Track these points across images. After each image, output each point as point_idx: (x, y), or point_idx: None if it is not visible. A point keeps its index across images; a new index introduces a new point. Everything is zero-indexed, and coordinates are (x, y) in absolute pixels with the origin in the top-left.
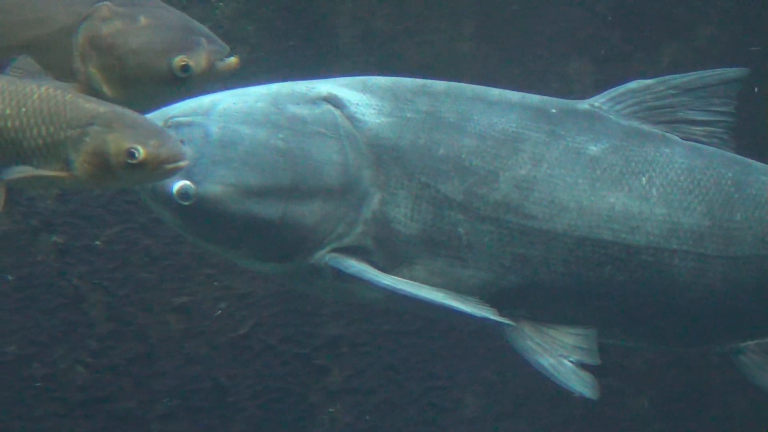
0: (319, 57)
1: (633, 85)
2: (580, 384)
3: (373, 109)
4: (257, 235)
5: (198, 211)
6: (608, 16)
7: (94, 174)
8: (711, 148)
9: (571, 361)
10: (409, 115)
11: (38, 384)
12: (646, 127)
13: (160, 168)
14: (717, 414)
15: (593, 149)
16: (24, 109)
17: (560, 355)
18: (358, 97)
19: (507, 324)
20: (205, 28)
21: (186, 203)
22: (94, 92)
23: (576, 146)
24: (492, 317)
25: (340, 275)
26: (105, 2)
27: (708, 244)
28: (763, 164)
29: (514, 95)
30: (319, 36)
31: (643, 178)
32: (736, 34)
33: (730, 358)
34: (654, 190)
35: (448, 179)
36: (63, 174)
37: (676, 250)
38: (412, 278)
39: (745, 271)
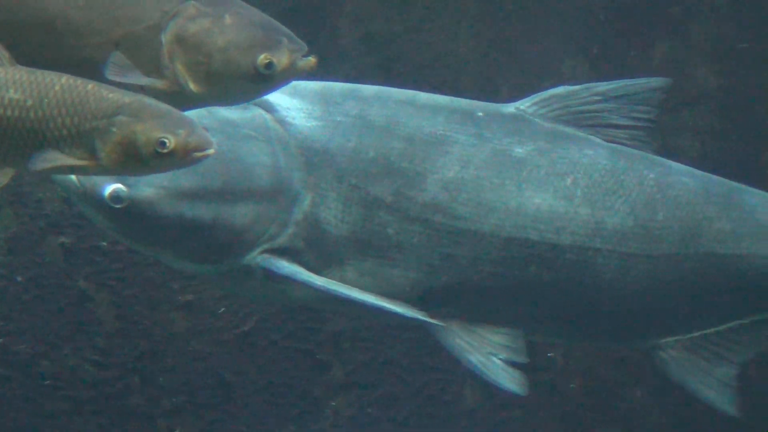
0: (321, 59)
1: (558, 90)
2: (509, 380)
3: (304, 113)
4: (190, 237)
5: (130, 214)
6: (601, 15)
7: (121, 163)
8: (633, 150)
9: (500, 359)
10: (338, 118)
11: (48, 382)
12: (571, 130)
13: (189, 156)
14: None
15: (519, 151)
16: (47, 100)
17: (489, 353)
18: (289, 101)
19: (436, 324)
20: (285, 28)
21: (118, 206)
22: (180, 88)
23: (502, 148)
24: (421, 318)
25: (272, 276)
26: (192, 1)
27: (631, 243)
28: (683, 165)
29: (442, 99)
30: (321, 38)
31: (568, 179)
32: (728, 32)
33: (651, 354)
34: (578, 191)
35: (378, 181)
36: (89, 162)
37: (600, 249)
38: (342, 278)
39: (667, 270)
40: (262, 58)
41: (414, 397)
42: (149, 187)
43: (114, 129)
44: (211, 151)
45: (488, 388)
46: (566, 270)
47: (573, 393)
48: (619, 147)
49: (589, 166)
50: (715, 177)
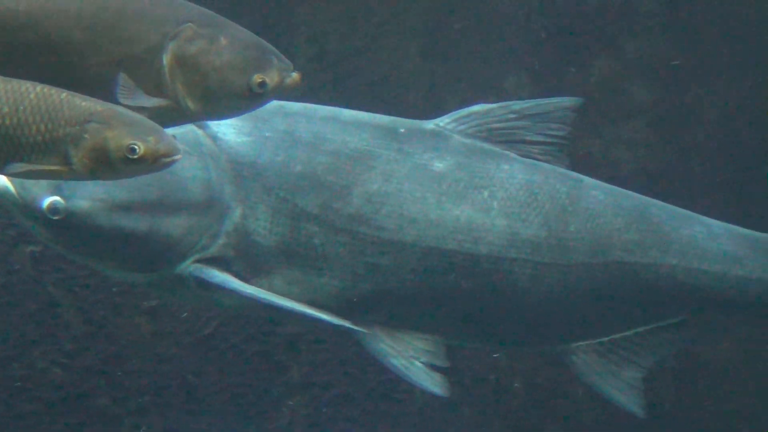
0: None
1: (476, 108)
2: (430, 382)
3: (234, 128)
4: (125, 248)
5: (67, 226)
6: (542, 33)
7: (92, 168)
8: (547, 165)
9: (422, 362)
10: (267, 134)
11: (18, 383)
12: (488, 146)
13: (158, 162)
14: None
15: (439, 166)
16: (22, 108)
17: (411, 357)
18: None
19: (359, 330)
20: (273, 47)
21: (56, 218)
22: (179, 105)
23: (423, 163)
24: (345, 325)
25: (204, 284)
26: (189, 24)
27: (544, 253)
28: (594, 180)
29: (365, 115)
30: None
31: (485, 192)
32: (661, 49)
33: (563, 357)
34: (495, 204)
35: (305, 194)
36: (61, 168)
37: (515, 258)
38: (270, 286)
39: (578, 278)
40: (256, 77)
41: (368, 396)
42: (86, 199)
43: (86, 136)
44: (178, 156)
45: None
46: (484, 278)
47: (517, 392)
48: (533, 162)
49: (505, 180)
50: (623, 190)
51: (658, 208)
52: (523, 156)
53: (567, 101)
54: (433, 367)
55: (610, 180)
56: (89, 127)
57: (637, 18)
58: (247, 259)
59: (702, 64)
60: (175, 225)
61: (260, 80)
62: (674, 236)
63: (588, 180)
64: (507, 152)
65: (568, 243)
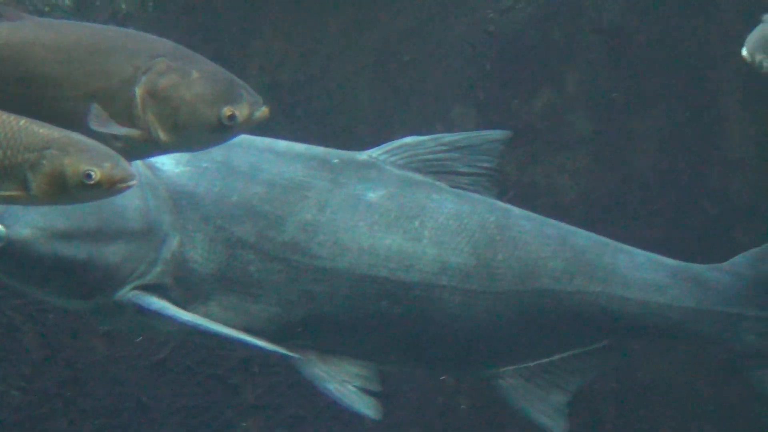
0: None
1: (408, 140)
2: (363, 406)
3: (172, 159)
4: (65, 275)
5: (8, 253)
6: (488, 65)
7: (50, 193)
8: (476, 195)
9: (355, 386)
10: (204, 164)
11: None
12: (419, 177)
13: (113, 187)
14: None
15: (371, 196)
16: None
17: (344, 381)
18: None
19: (293, 356)
20: (243, 82)
21: None
22: (151, 137)
23: (356, 193)
24: (280, 351)
25: (142, 311)
26: (161, 57)
27: (473, 280)
28: (521, 210)
29: (300, 147)
30: None
31: (416, 222)
32: (602, 82)
33: (490, 382)
34: (426, 233)
35: (241, 223)
36: (19, 193)
37: (445, 286)
38: (207, 312)
39: (506, 305)
40: (226, 110)
41: (319, 417)
42: (26, 228)
43: (44, 162)
44: (133, 182)
45: (386, 407)
46: (415, 305)
47: (463, 413)
48: (463, 192)
49: (435, 210)
50: (550, 220)
51: (582, 237)
52: (453, 186)
53: (495, 134)
54: (367, 391)
55: (554, 207)
56: (47, 153)
57: (578, 52)
58: (185, 286)
59: (640, 96)
60: (113, 253)
61: (230, 113)
62: (598, 264)
63: (516, 210)
64: (437, 183)
65: (496, 271)
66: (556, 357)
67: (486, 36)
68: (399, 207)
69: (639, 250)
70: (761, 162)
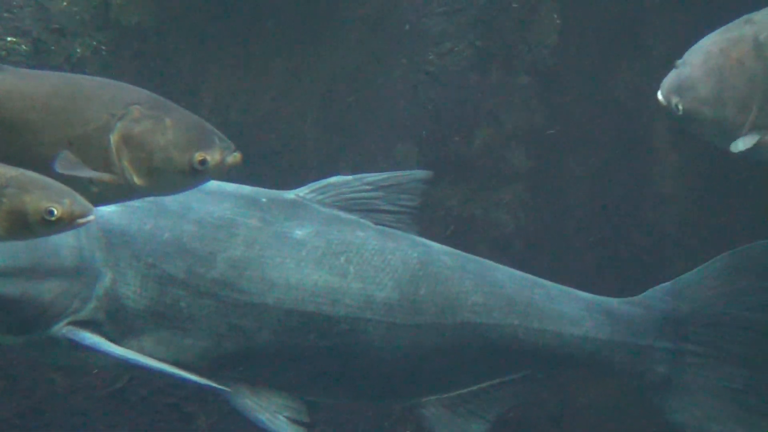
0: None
1: (333, 179)
2: None
3: None
4: None
5: None
6: (429, 105)
7: (11, 230)
8: (399, 232)
9: (285, 416)
10: (136, 204)
11: None
12: (344, 215)
13: (73, 223)
14: None
15: (299, 233)
16: None
17: (274, 411)
18: None
19: (222, 389)
20: (214, 128)
21: None
22: (126, 181)
23: (284, 231)
24: (210, 384)
25: (76, 346)
26: (135, 105)
27: (397, 314)
28: (442, 246)
29: (229, 186)
30: None
31: (342, 258)
32: (537, 120)
33: (413, 411)
34: (351, 268)
35: (172, 260)
36: None
37: (370, 319)
38: (140, 347)
39: (429, 338)
40: (198, 155)
41: None
42: None
43: (4, 200)
44: (92, 217)
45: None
46: (341, 338)
47: None
48: (387, 229)
49: (360, 246)
50: (470, 256)
51: (501, 272)
52: (377, 224)
53: (417, 174)
54: (296, 421)
55: (493, 240)
56: (7, 191)
57: (514, 92)
58: (118, 322)
59: (573, 133)
60: (47, 290)
61: (201, 158)
62: (516, 298)
63: (437, 246)
64: (362, 220)
65: (418, 305)
66: (476, 387)
67: (427, 77)
68: (325, 244)
69: (555, 285)
70: (689, 196)
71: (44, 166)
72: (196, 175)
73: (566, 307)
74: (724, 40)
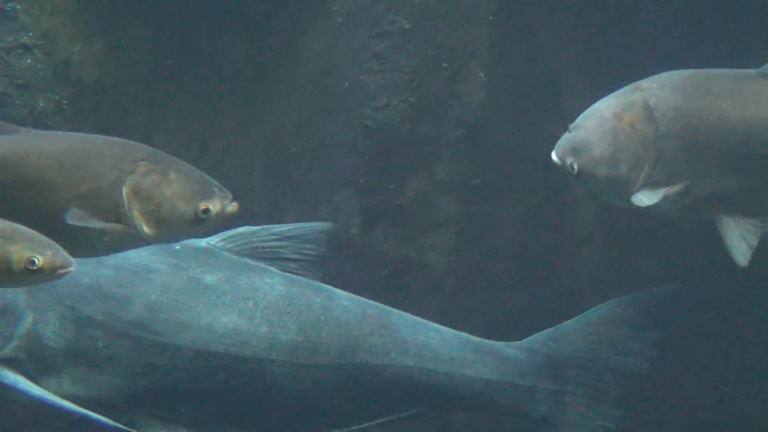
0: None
1: (242, 229)
2: None
3: None
4: None
5: None
6: (366, 155)
7: None
8: (304, 279)
9: None
10: None
11: None
12: (252, 262)
13: (54, 273)
14: None
15: (210, 279)
16: None
17: None
18: None
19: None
20: (214, 180)
21: None
22: (136, 231)
23: (196, 276)
24: (120, 427)
25: None
26: (143, 161)
27: (300, 355)
28: (344, 292)
29: None
30: None
31: (250, 303)
32: (465, 170)
33: None
34: (258, 312)
35: (91, 303)
36: None
37: (275, 360)
38: (58, 384)
39: (330, 377)
40: (201, 205)
41: None
42: None
43: None
44: (72, 268)
45: None
46: (248, 377)
47: None
48: (291, 276)
49: (267, 292)
50: (369, 301)
51: (397, 316)
52: (283, 271)
53: (319, 226)
54: None
55: (426, 280)
56: None
57: (445, 144)
58: (38, 360)
59: (499, 182)
60: None
61: (204, 207)
62: (411, 341)
63: (339, 292)
64: (269, 268)
65: (320, 346)
66: (373, 423)
67: (364, 130)
68: (234, 289)
69: (448, 329)
70: (606, 240)
71: (61, 219)
72: (199, 223)
73: (457, 350)
74: (616, 105)
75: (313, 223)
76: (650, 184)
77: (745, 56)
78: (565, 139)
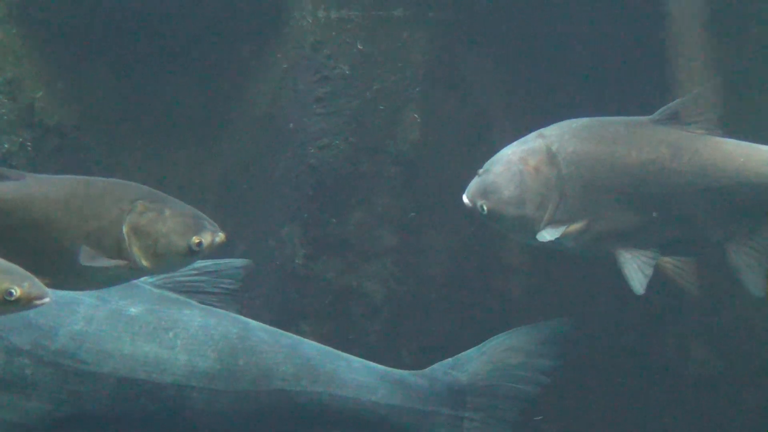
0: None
1: None
2: None
3: None
4: None
5: None
6: (309, 191)
7: None
8: (222, 311)
9: None
10: None
11: None
12: (173, 295)
13: (30, 303)
14: None
15: (133, 311)
16: None
17: None
18: None
19: None
20: (203, 214)
21: None
22: (136, 265)
23: (119, 308)
24: None
25: None
26: (140, 200)
27: (218, 382)
28: (259, 323)
29: None
30: None
31: (171, 333)
32: (403, 203)
33: None
34: (178, 342)
35: (19, 333)
36: None
37: (194, 386)
38: None
39: (246, 403)
40: (194, 239)
41: None
42: None
43: None
44: (47, 300)
45: None
46: (168, 403)
47: None
48: (210, 308)
49: (187, 323)
50: (284, 332)
51: (309, 345)
52: (202, 303)
53: (237, 262)
54: None
55: (366, 307)
56: None
57: (382, 180)
58: None
59: (432, 215)
60: None
61: (198, 240)
62: (321, 368)
63: (254, 323)
64: (189, 300)
65: (237, 374)
66: None
67: (308, 168)
68: (156, 320)
69: (356, 358)
70: (533, 268)
71: (67, 256)
72: (193, 255)
73: (364, 377)
74: (521, 151)
75: (231, 260)
76: (554, 222)
77: (659, 99)
78: (475, 183)
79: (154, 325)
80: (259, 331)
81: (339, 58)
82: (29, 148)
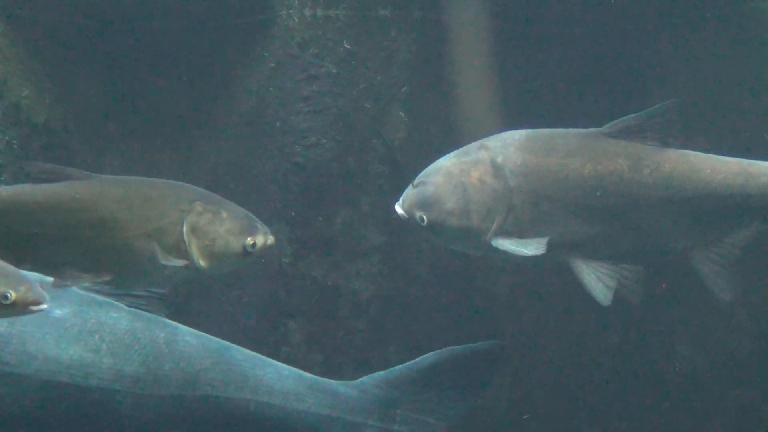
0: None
1: None
2: None
3: None
4: None
5: None
6: (296, 189)
7: None
8: (150, 315)
9: None
10: None
11: None
12: (100, 297)
13: (26, 309)
14: None
15: (59, 313)
16: None
17: None
18: None
19: None
20: (255, 216)
21: None
22: (194, 264)
23: (45, 310)
24: None
25: None
26: (197, 201)
27: (143, 386)
28: (188, 328)
29: None
30: None
31: (96, 336)
32: (388, 202)
33: None
34: (104, 345)
35: None
36: None
37: (119, 390)
38: None
39: (172, 408)
40: (249, 240)
41: None
42: None
43: None
44: (44, 306)
45: None
46: (93, 407)
47: None
48: (138, 312)
49: (113, 326)
50: (212, 337)
51: (238, 351)
52: (130, 306)
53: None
54: None
55: (353, 305)
56: None
57: (369, 179)
58: None
59: None
60: None
61: (252, 242)
62: (249, 375)
63: (183, 327)
64: (116, 303)
65: (163, 379)
66: None
67: (295, 167)
68: (82, 322)
69: (285, 366)
70: (518, 267)
71: (128, 255)
72: (247, 256)
73: (292, 385)
74: (462, 163)
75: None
76: (502, 234)
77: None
78: (411, 194)
79: (79, 328)
80: (188, 336)
81: (326, 57)
82: (15, 146)
